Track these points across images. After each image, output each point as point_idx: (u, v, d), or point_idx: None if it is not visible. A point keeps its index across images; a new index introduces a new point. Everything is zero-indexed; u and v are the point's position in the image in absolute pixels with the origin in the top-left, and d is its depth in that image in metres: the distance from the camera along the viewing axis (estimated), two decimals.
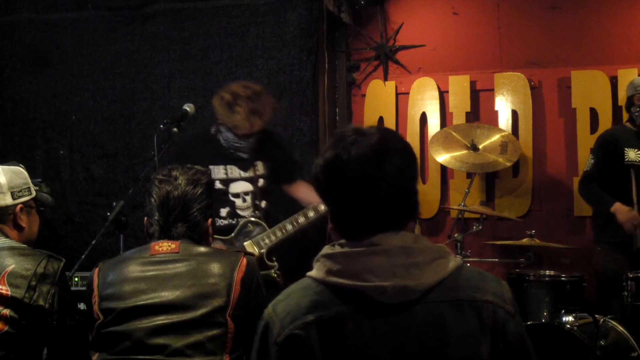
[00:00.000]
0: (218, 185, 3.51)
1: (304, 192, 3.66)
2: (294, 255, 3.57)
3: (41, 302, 2.19)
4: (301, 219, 3.54)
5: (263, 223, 3.55)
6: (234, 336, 2.06)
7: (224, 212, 3.54)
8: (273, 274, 3.49)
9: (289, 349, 1.45)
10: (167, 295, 2.05)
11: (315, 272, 1.51)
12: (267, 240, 3.49)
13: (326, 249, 1.51)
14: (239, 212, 3.55)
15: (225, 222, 3.54)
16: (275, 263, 3.52)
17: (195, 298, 2.05)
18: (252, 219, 3.55)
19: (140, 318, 2.04)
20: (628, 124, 4.31)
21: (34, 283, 2.19)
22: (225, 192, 3.54)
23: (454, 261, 1.49)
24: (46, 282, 2.22)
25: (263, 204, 3.62)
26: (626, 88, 4.35)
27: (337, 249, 1.50)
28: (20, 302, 2.16)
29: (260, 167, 3.63)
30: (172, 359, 2.00)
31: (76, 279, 3.82)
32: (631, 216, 4.01)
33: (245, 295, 2.09)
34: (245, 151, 3.58)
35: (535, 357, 1.51)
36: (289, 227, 3.52)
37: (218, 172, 3.54)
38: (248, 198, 3.57)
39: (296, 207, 3.67)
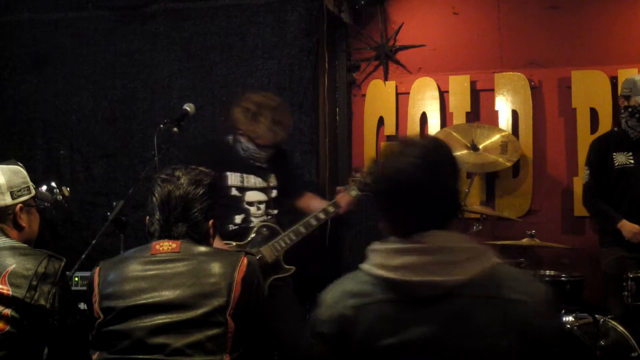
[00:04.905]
0: (234, 192, 3.57)
1: (313, 202, 3.77)
2: (301, 258, 3.67)
3: (42, 302, 2.19)
4: (313, 222, 3.62)
5: (277, 227, 3.61)
6: (234, 336, 2.06)
7: (238, 218, 3.57)
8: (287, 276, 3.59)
9: (329, 327, 1.68)
10: (167, 294, 2.05)
11: (365, 263, 1.70)
12: (282, 244, 3.56)
13: (375, 244, 1.70)
14: (252, 219, 3.60)
15: (238, 227, 3.57)
16: (293, 267, 3.60)
17: (195, 297, 2.05)
18: (267, 223, 3.60)
19: (141, 317, 2.04)
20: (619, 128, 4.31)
21: (35, 283, 2.19)
22: (240, 200, 3.58)
23: (490, 261, 1.62)
24: (47, 282, 2.22)
25: (275, 211, 3.69)
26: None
27: (383, 245, 1.68)
28: (21, 302, 2.17)
29: (273, 179, 3.68)
30: (172, 358, 2.00)
31: (76, 279, 3.82)
32: (636, 232, 4.03)
33: (246, 295, 2.09)
34: (263, 162, 3.63)
35: (562, 353, 1.62)
36: (303, 230, 3.60)
37: (235, 179, 3.58)
38: (262, 207, 3.62)
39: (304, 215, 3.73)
